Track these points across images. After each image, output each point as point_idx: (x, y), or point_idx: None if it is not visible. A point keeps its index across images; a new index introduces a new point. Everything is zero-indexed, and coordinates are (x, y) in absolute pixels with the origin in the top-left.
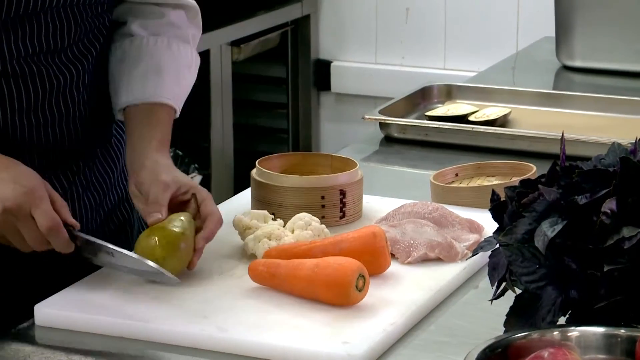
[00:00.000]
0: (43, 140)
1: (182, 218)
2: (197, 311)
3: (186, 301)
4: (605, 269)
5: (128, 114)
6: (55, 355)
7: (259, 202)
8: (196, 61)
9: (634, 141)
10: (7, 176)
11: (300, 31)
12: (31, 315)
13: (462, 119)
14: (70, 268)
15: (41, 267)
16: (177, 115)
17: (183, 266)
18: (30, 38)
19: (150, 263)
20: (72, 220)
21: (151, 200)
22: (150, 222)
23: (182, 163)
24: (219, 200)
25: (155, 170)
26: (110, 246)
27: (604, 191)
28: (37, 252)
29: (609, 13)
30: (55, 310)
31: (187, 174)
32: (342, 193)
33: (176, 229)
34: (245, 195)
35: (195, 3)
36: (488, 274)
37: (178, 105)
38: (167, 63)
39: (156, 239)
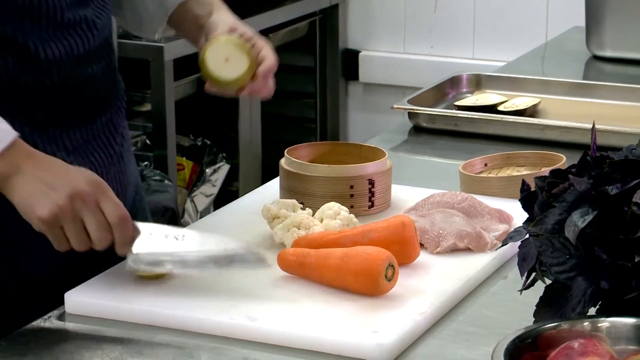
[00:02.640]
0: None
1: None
2: (227, 300)
3: (215, 290)
4: (636, 260)
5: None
6: (86, 342)
7: (287, 191)
8: None
9: None
10: (74, 167)
11: (328, 21)
12: (62, 302)
13: (492, 109)
14: (101, 256)
15: (72, 255)
16: None
17: (243, 81)
18: None
19: (232, 245)
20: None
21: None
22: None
23: (210, 152)
24: (247, 189)
25: (221, 17)
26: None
27: (635, 181)
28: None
29: (639, 3)
30: (86, 298)
31: (215, 163)
32: (371, 182)
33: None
34: (274, 184)
35: None
36: (518, 264)
37: None
38: None
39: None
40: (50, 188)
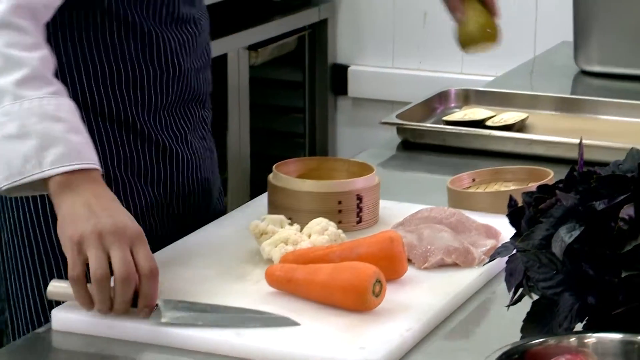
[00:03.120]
0: None
1: None
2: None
3: None
4: (623, 275)
5: None
6: (73, 359)
7: (275, 207)
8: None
9: None
10: (126, 211)
11: (317, 35)
12: (48, 320)
13: (480, 123)
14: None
15: (59, 271)
16: None
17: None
18: None
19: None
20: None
21: None
22: None
23: None
24: (236, 204)
25: None
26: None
27: (622, 197)
28: (51, 259)
29: (627, 18)
30: (72, 315)
31: None
32: (359, 198)
33: None
34: (262, 200)
35: None
36: (505, 280)
37: None
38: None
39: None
40: (93, 215)
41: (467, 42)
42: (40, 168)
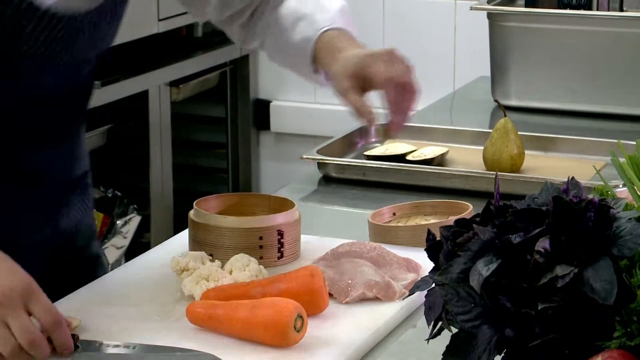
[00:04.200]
0: None
1: None
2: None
3: (125, 342)
4: (540, 307)
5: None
6: None
7: (196, 243)
8: None
9: (567, 180)
10: (4, 267)
11: (239, 71)
12: None
13: (401, 158)
14: None
15: None
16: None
17: None
18: None
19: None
20: (67, 319)
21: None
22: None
23: (121, 204)
24: (159, 241)
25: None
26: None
27: (537, 230)
28: None
29: (544, 53)
30: None
31: (126, 214)
32: (280, 233)
33: None
34: (184, 236)
35: None
36: (424, 314)
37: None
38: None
39: None
40: None
41: None
42: None
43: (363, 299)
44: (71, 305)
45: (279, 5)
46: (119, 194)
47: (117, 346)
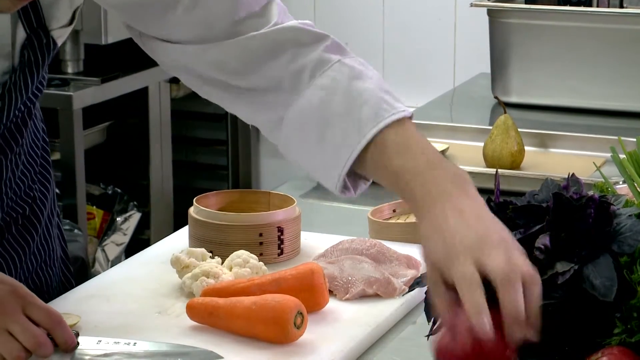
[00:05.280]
0: None
1: None
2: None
3: (125, 338)
4: (540, 304)
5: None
6: None
7: (197, 240)
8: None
9: (567, 177)
10: None
11: None
12: None
13: None
14: None
15: None
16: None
17: None
18: None
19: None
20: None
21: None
22: None
23: (121, 201)
24: (159, 237)
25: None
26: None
27: (537, 227)
28: None
29: (544, 50)
30: None
31: (126, 211)
32: (280, 230)
33: None
34: (184, 232)
35: None
36: (424, 310)
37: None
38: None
39: None
40: None
41: None
42: None
43: (363, 296)
44: (71, 302)
45: None
46: (119, 190)
47: (117, 343)
